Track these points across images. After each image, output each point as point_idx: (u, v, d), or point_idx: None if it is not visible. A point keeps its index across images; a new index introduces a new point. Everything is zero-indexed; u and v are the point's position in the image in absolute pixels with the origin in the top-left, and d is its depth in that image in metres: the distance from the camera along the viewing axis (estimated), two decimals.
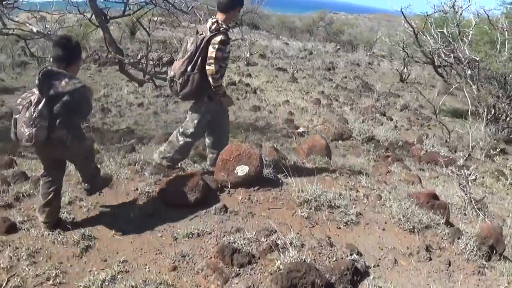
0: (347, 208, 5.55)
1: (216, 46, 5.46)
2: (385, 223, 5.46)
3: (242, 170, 5.77)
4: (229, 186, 5.78)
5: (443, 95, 21.07)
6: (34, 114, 4.14)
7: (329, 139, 11.56)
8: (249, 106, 14.70)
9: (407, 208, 5.63)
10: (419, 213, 5.59)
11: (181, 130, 6.11)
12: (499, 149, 11.15)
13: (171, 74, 5.69)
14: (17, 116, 4.29)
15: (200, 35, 5.57)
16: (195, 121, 5.99)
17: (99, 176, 5.22)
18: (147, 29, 13.97)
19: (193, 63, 5.54)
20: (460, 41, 13.24)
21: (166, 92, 14.54)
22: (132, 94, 14.87)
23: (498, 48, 12.30)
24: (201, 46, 5.51)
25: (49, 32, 10.89)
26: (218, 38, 5.48)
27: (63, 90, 4.19)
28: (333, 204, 5.56)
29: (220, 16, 5.66)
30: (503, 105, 11.89)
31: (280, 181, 6.16)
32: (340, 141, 11.61)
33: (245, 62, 21.07)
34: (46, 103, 4.18)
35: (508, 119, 11.81)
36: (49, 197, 4.76)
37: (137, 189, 5.78)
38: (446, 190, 8.11)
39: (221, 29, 5.55)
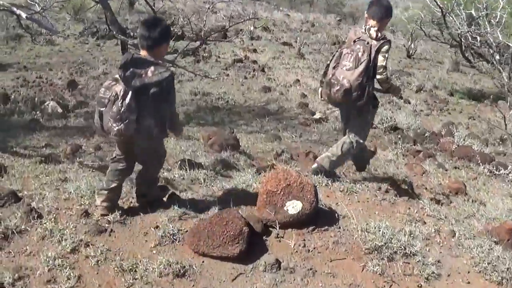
0: (424, 256, 4.39)
1: (386, 55, 5.48)
2: (468, 272, 4.31)
3: (294, 207, 4.51)
4: (278, 227, 4.56)
5: (452, 72, 19.96)
6: (122, 109, 3.94)
7: None
8: (259, 86, 13.48)
9: (489, 251, 4.50)
10: (505, 258, 4.45)
11: (353, 137, 5.94)
12: None
13: (347, 86, 5.43)
14: (102, 109, 4.07)
15: (367, 43, 5.46)
16: (364, 129, 6.05)
17: (156, 186, 4.99)
18: (152, 5, 12.59)
19: (367, 73, 5.44)
20: (487, 24, 11.98)
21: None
22: None
23: None
24: (372, 55, 5.43)
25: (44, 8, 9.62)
26: (386, 46, 5.50)
27: (151, 81, 3.95)
28: (408, 252, 4.38)
29: (376, 24, 5.57)
30: None
31: (336, 214, 4.99)
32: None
33: (249, 36, 19.71)
34: (133, 95, 3.96)
35: None
36: (113, 185, 4.59)
37: (157, 226, 4.57)
38: (493, 198, 7.02)
39: (386, 37, 5.55)
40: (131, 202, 5.08)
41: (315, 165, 6.05)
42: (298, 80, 14.38)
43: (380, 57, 5.45)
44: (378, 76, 5.51)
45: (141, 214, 4.75)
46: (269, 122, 10.44)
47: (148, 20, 4.26)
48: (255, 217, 4.59)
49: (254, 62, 15.93)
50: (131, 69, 3.92)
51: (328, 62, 5.85)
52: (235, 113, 11.10)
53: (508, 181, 8.15)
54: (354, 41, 5.57)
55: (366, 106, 5.64)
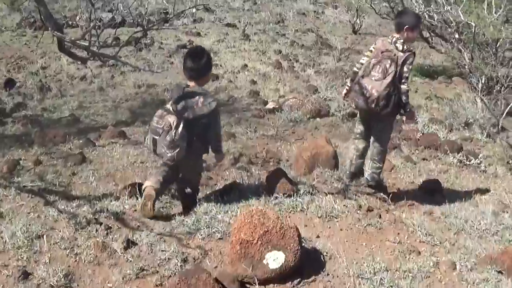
0: None
1: (410, 67, 5.59)
2: None
3: (275, 259, 3.76)
4: (257, 284, 3.81)
5: None
6: (175, 138, 4.30)
7: (305, 117, 9.73)
8: None
9: (497, 284, 3.93)
10: None
11: (380, 147, 5.99)
12: (499, 126, 9.53)
13: (375, 95, 5.47)
14: (157, 138, 4.42)
15: (393, 55, 5.50)
16: (388, 135, 6.11)
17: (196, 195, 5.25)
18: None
19: (394, 83, 5.50)
20: (445, 1, 11.40)
21: (110, 62, 12.22)
22: (73, 65, 12.42)
23: (492, 10, 10.45)
24: (399, 67, 5.49)
25: None
26: (411, 59, 5.57)
27: (201, 112, 4.38)
28: None
29: (401, 36, 5.63)
30: (498, 74, 10.16)
31: (321, 256, 4.33)
32: (318, 119, 9.79)
33: (192, 19, 18.72)
34: (185, 125, 4.32)
35: (503, 90, 10.13)
36: (164, 174, 4.91)
37: None
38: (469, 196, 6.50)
39: (411, 49, 5.60)
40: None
41: (368, 182, 6.08)
42: (246, 65, 13.60)
43: (405, 69, 5.53)
44: (401, 86, 5.56)
45: (91, 271, 3.97)
46: (220, 116, 9.69)
47: (193, 52, 4.61)
48: (229, 275, 3.84)
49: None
50: (183, 102, 4.37)
51: (355, 69, 6.01)
52: None
53: (480, 171, 7.64)
54: (382, 52, 5.59)
55: (391, 113, 5.71)
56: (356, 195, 5.83)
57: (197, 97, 4.42)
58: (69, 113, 9.58)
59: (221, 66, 13.45)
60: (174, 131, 4.34)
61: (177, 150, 4.37)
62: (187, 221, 4.86)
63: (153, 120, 4.52)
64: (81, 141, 7.41)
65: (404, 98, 5.59)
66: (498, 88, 10.27)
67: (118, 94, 11.15)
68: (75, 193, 5.62)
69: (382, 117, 5.72)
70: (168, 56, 14.02)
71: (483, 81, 10.06)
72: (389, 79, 5.45)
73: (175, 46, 14.85)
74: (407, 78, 5.55)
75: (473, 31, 10.17)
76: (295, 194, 5.43)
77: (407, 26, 5.57)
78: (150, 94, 11.18)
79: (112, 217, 4.89)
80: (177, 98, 4.42)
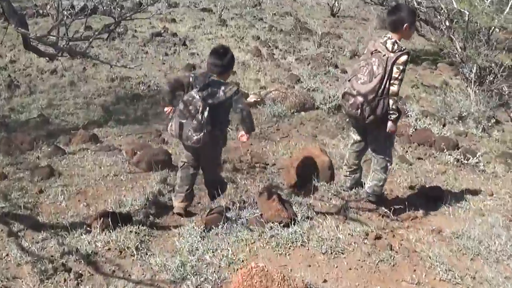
0: None
1: (401, 67, 4.94)
2: None
3: None
4: None
5: (379, 30, 18.90)
6: (203, 121, 4.50)
7: (289, 111, 9.11)
8: (182, 64, 11.94)
9: None
10: None
11: (381, 158, 5.36)
12: (494, 120, 8.95)
13: (360, 100, 5.01)
14: (183, 121, 4.59)
15: (383, 55, 4.95)
16: (388, 143, 5.40)
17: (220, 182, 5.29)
18: None
19: (382, 87, 4.94)
20: None
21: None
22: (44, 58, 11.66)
23: None
24: (388, 69, 4.91)
25: None
26: (403, 59, 4.94)
27: (224, 98, 4.57)
28: None
29: (394, 35, 5.06)
30: (492, 64, 9.50)
31: None
32: (303, 113, 9.18)
33: (166, 4, 17.89)
34: (211, 110, 4.53)
35: (495, 80, 9.51)
36: (187, 187, 5.06)
37: None
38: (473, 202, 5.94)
39: (403, 49, 4.97)
40: None
41: (368, 196, 5.53)
42: None
43: (395, 69, 4.93)
44: (390, 88, 4.96)
45: None
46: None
47: (218, 50, 4.75)
48: None
49: (174, 34, 14.28)
50: (208, 90, 4.57)
51: (349, 75, 5.42)
52: (159, 102, 9.58)
53: (479, 171, 7.10)
54: (372, 53, 5.09)
55: (382, 120, 5.10)
56: (357, 213, 5.20)
57: (221, 86, 4.59)
58: (38, 113, 8.83)
59: (197, 55, 12.73)
60: (201, 115, 4.50)
61: (202, 133, 4.52)
62: (170, 266, 4.17)
63: (179, 105, 4.66)
64: (49, 149, 6.72)
65: (390, 101, 4.99)
66: (491, 78, 9.67)
67: (90, 88, 10.39)
68: (42, 219, 4.95)
69: (374, 124, 5.14)
70: (143, 45, 13.24)
71: (475, 71, 9.44)
72: (375, 82, 4.95)
73: (149, 34, 14.07)
74: (397, 79, 4.92)
75: (466, 19, 9.54)
76: (292, 222, 4.72)
77: (397, 24, 5.03)
78: (124, 88, 10.45)
79: (82, 261, 4.21)
80: (203, 86, 4.58)
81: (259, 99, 9.53)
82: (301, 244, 4.45)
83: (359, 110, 5.02)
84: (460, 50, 9.63)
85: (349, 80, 5.25)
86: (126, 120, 8.62)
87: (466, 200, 6.02)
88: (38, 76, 11.18)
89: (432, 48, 15.72)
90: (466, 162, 7.18)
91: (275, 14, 18.94)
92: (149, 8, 16.02)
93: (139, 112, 9.09)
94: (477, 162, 7.17)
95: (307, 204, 5.09)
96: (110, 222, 4.41)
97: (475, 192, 6.32)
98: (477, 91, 9.22)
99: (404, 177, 6.52)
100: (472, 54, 9.30)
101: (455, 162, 7.23)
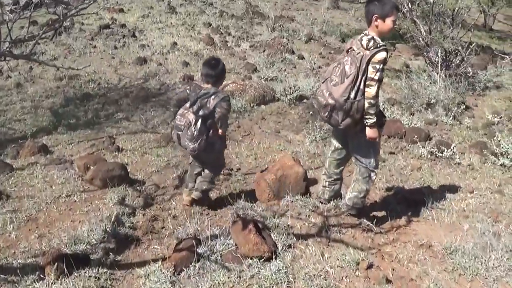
0: None
1: (377, 66, 4.31)
2: None
3: None
4: None
5: (332, 10, 18.56)
6: (195, 133, 4.76)
7: (249, 105, 8.67)
8: (132, 58, 11.34)
9: None
10: None
11: (363, 167, 4.77)
12: (463, 106, 8.59)
13: (330, 103, 4.47)
14: (180, 133, 4.86)
15: (357, 54, 4.38)
16: (371, 150, 4.74)
17: (212, 186, 5.32)
18: None
19: (356, 88, 4.39)
20: None
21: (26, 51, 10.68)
22: None
23: None
24: (363, 68, 4.34)
25: None
26: (379, 56, 4.30)
27: (214, 106, 4.76)
28: None
29: (371, 30, 4.46)
30: (458, 47, 9.07)
31: None
32: (263, 106, 8.75)
33: None
34: (202, 121, 4.78)
35: (462, 63, 9.11)
36: (192, 184, 5.24)
37: None
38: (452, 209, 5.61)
39: (380, 45, 4.32)
40: None
41: (349, 209, 4.99)
42: (175, 43, 12.32)
43: (370, 68, 4.33)
44: (366, 89, 4.37)
45: None
46: (153, 110, 8.52)
47: (210, 62, 4.93)
48: None
49: (123, 25, 13.61)
50: (198, 103, 4.76)
51: (323, 76, 4.77)
52: (110, 101, 9.04)
53: (454, 164, 6.79)
54: (347, 51, 4.54)
55: (361, 126, 4.55)
56: (340, 231, 4.70)
57: (211, 96, 4.78)
58: None
59: (148, 46, 12.12)
60: (194, 127, 4.75)
61: (197, 143, 4.76)
62: None
63: (176, 118, 4.91)
64: None
65: (366, 105, 4.39)
66: (458, 61, 9.29)
67: (37, 89, 9.74)
68: None
69: (351, 130, 4.61)
70: (90, 39, 12.56)
71: (441, 55, 9.05)
72: (347, 82, 4.38)
73: (97, 26, 13.37)
74: (373, 80, 4.31)
75: (431, 1, 9.11)
76: (273, 256, 4.07)
77: (375, 15, 4.36)
78: (73, 87, 9.82)
79: None
80: (193, 101, 4.79)
81: None
82: (287, 286, 3.84)
83: (330, 114, 4.50)
84: (424, 33, 9.23)
85: (323, 82, 4.68)
86: (77, 124, 8.05)
87: (447, 200, 5.67)
88: None
89: None
90: (440, 154, 6.87)
91: None
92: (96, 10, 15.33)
93: (90, 114, 8.52)
94: (451, 154, 6.86)
95: (285, 226, 4.61)
96: (65, 267, 3.86)
97: (454, 189, 5.97)
98: (443, 76, 8.86)
99: (379, 176, 6.11)
100: (437, 37, 8.90)
101: (429, 156, 6.91)
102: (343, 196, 5.16)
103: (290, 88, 9.04)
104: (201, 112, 4.76)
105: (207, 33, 13.37)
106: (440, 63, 8.88)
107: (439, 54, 9.18)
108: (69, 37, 12.64)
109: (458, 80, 8.97)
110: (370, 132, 4.52)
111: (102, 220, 4.72)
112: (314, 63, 11.29)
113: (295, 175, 5.21)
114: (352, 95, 4.39)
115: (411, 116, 8.49)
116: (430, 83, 9.08)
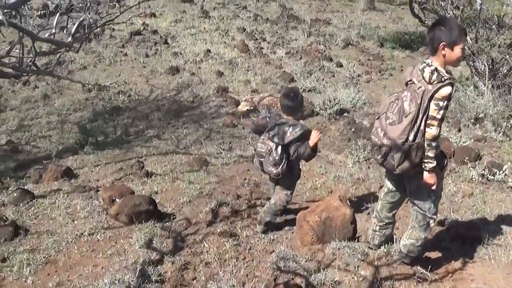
0: None
1: (441, 103, 3.65)
2: None
3: None
4: None
5: (367, 11, 17.85)
6: (276, 158, 4.76)
7: None
8: (165, 66, 10.83)
9: None
10: None
11: (421, 213, 4.12)
12: None
13: (386, 144, 3.86)
14: (262, 160, 4.86)
15: (418, 88, 3.72)
16: (431, 194, 4.05)
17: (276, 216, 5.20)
18: None
19: (416, 129, 3.75)
20: None
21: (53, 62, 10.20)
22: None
23: None
24: (424, 105, 3.69)
25: None
26: (444, 92, 3.63)
27: (289, 140, 4.70)
28: None
29: (436, 60, 3.78)
30: (506, 56, 8.26)
31: None
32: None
33: None
34: (282, 148, 4.76)
35: (510, 73, 8.31)
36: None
37: None
38: None
39: (445, 79, 3.64)
40: None
41: (402, 257, 4.36)
42: (209, 50, 11.78)
43: (432, 105, 3.67)
44: (426, 130, 3.72)
45: None
46: (185, 128, 7.97)
47: (289, 94, 4.93)
48: None
49: (155, 32, 13.10)
50: (275, 130, 4.79)
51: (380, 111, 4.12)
52: (140, 116, 8.52)
53: (507, 188, 6.09)
54: (406, 84, 3.92)
55: (419, 169, 3.88)
56: (392, 286, 4.08)
57: (288, 127, 4.74)
58: (6, 138, 7.77)
59: (180, 54, 11.61)
60: (275, 152, 4.77)
61: (279, 167, 4.77)
62: None
63: (257, 146, 4.96)
64: (16, 194, 5.61)
65: (426, 147, 3.76)
66: (505, 71, 8.46)
67: (65, 102, 9.31)
68: None
69: (409, 173, 3.96)
70: (121, 46, 12.10)
71: (489, 65, 8.24)
72: (406, 122, 3.74)
73: (128, 33, 12.90)
74: (436, 119, 3.67)
75: (478, 7, 8.31)
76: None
77: (443, 43, 3.70)
78: (103, 99, 9.35)
79: None
80: (271, 127, 4.84)
81: (251, 107, 8.49)
82: None
83: (385, 157, 3.90)
84: (470, 41, 8.46)
85: (377, 118, 4.06)
86: (105, 142, 7.55)
87: (503, 233, 5.03)
88: (9, 88, 10.11)
89: (424, 29, 14.64)
90: (492, 178, 6.18)
91: (258, 0, 17.78)
92: (127, 2, 14.88)
93: (119, 130, 8.02)
94: (504, 177, 6.15)
95: (331, 283, 3.99)
96: None
97: (509, 220, 5.32)
98: (490, 87, 8.08)
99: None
100: (484, 46, 8.11)
101: (480, 179, 6.22)
102: (394, 240, 4.54)
103: (330, 101, 8.41)
104: (275, 140, 4.77)
105: (241, 38, 12.81)
106: (487, 73, 8.07)
107: (485, 64, 8.37)
108: (99, 44, 12.20)
109: (506, 92, 8.16)
110: (428, 177, 3.87)
111: (127, 267, 4.17)
112: (354, 72, 10.60)
113: (341, 218, 4.56)
114: (411, 137, 3.76)
115: (459, 132, 7.74)
116: (477, 95, 8.29)
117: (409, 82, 3.87)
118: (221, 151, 7.03)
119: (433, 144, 3.73)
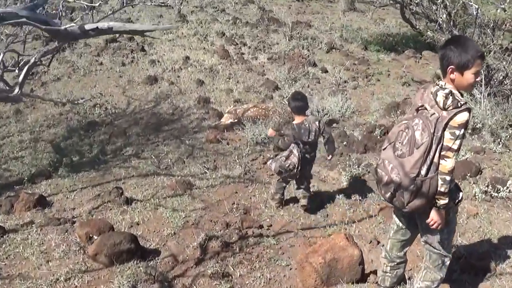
0: None
1: (457, 132, 3.15)
2: None
3: None
4: None
5: (348, 13, 17.48)
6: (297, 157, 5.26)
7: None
8: (142, 76, 10.33)
9: None
10: None
11: (436, 253, 3.65)
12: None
13: (395, 180, 3.30)
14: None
15: (431, 115, 3.20)
16: (445, 231, 3.56)
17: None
18: None
19: (428, 161, 3.22)
20: None
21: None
22: None
23: None
24: (438, 134, 3.17)
25: None
26: (460, 119, 3.13)
27: (318, 131, 5.34)
28: None
29: (449, 82, 3.29)
30: (502, 61, 7.84)
31: None
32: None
33: (121, 1, 16.03)
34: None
35: (507, 80, 7.88)
36: (279, 194, 5.66)
37: None
38: None
39: (461, 104, 3.13)
40: None
41: None
42: (188, 58, 11.28)
43: (447, 134, 3.19)
44: (441, 162, 3.24)
45: None
46: (166, 144, 7.49)
47: (297, 96, 5.42)
48: None
49: (131, 38, 12.57)
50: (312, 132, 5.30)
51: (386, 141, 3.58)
52: (118, 132, 7.99)
53: None
54: (417, 110, 3.37)
55: (423, 206, 3.38)
56: None
57: (315, 121, 5.32)
58: None
59: (158, 62, 11.12)
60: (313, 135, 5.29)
61: (300, 166, 5.31)
62: None
63: (281, 159, 5.33)
64: None
65: (440, 181, 3.26)
66: (500, 78, 8.05)
67: (38, 117, 8.77)
68: None
69: (416, 210, 3.46)
70: (96, 55, 11.57)
71: (484, 72, 7.82)
72: (417, 155, 3.25)
73: (103, 40, 12.34)
74: (451, 150, 3.20)
75: (475, 12, 7.87)
76: None
77: (451, 67, 3.23)
78: (77, 113, 8.83)
79: None
80: (313, 131, 5.30)
81: (235, 120, 8.02)
82: None
83: (393, 194, 3.38)
84: None
85: (384, 149, 3.54)
86: (80, 163, 7.04)
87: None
88: None
89: (408, 30, 14.31)
90: (496, 194, 5.79)
91: (236, 3, 17.30)
92: (101, 8, 14.32)
93: (95, 148, 7.50)
94: (508, 193, 5.77)
95: None
96: None
97: None
98: (485, 95, 7.68)
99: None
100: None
101: (483, 196, 5.81)
102: (407, 279, 4.11)
103: (318, 111, 7.98)
104: (303, 138, 5.27)
105: (221, 43, 12.35)
106: (483, 81, 7.63)
107: (481, 71, 7.95)
108: (73, 53, 11.65)
109: (503, 100, 7.75)
110: (434, 214, 3.40)
111: None
112: (340, 78, 10.17)
113: (349, 259, 4.09)
114: (423, 171, 3.28)
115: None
116: (474, 104, 7.86)
117: (420, 108, 3.37)
118: (206, 171, 6.56)
119: (447, 178, 3.25)
